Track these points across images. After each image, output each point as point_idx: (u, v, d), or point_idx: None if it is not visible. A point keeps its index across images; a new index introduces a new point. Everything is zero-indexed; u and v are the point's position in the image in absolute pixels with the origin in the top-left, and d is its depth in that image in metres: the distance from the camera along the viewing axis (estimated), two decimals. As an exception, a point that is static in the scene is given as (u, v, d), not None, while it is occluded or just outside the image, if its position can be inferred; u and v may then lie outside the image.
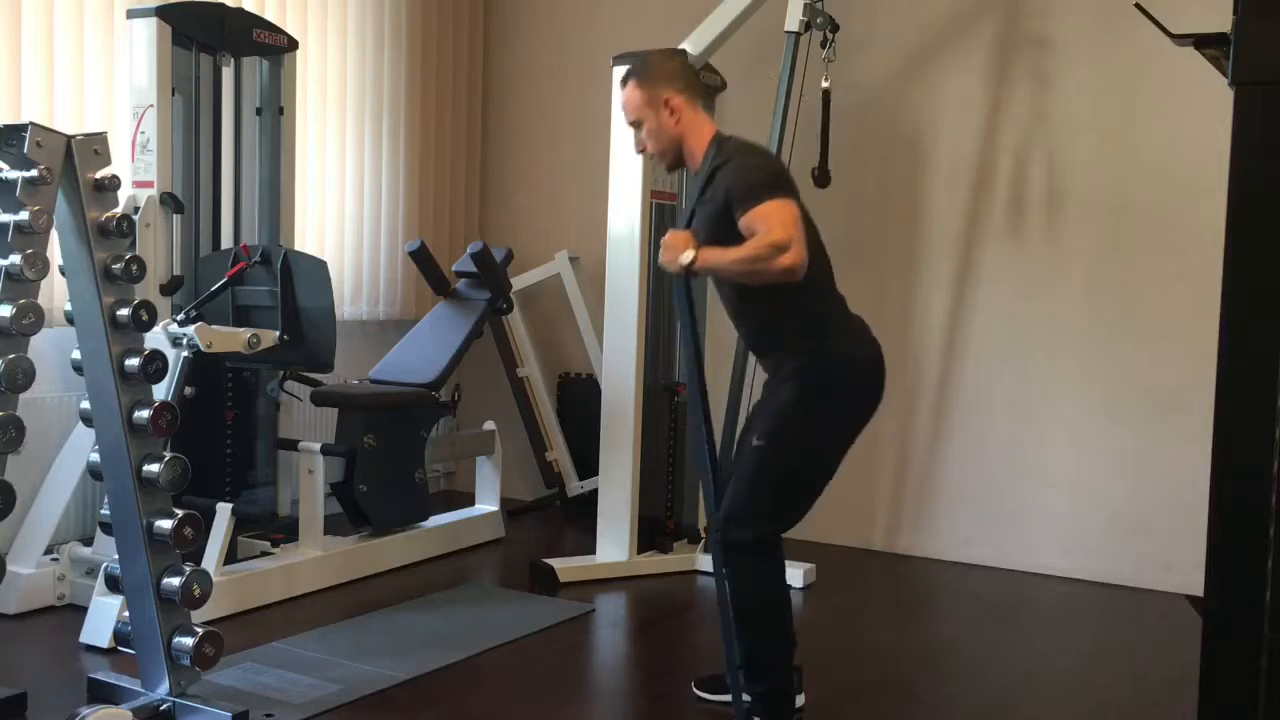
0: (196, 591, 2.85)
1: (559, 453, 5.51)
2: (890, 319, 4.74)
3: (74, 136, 2.74)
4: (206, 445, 4.16)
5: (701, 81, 3.07)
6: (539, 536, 5.14)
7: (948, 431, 4.86)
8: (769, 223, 2.64)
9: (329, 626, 3.72)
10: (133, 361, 2.79)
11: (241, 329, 3.76)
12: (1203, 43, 1.84)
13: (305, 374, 4.43)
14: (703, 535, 4.49)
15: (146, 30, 3.97)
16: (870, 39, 4.83)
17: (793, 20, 4.27)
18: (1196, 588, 1.81)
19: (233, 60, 4.37)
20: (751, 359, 3.73)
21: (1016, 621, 4.16)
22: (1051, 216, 4.63)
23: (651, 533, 4.57)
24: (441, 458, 5.34)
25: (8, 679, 3.05)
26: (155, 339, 3.35)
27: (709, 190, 2.82)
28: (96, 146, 2.79)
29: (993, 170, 4.74)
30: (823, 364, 2.84)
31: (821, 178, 4.27)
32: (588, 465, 5.16)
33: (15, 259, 2.60)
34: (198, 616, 2.95)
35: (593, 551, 4.48)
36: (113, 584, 2.94)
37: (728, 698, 2.96)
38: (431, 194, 5.65)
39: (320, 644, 3.54)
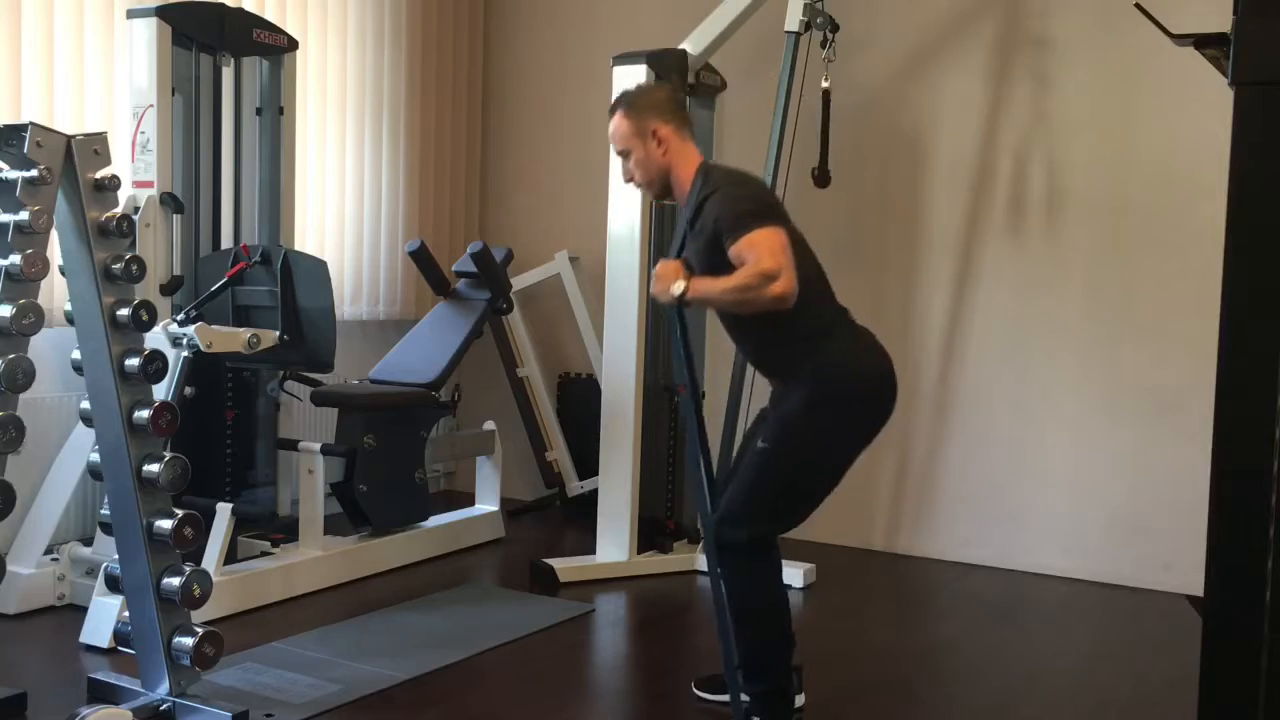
0: (196, 591, 2.85)
1: (559, 453, 5.51)
2: (890, 319, 4.74)
3: (74, 136, 2.74)
4: (206, 445, 4.16)
5: (688, 114, 3.08)
6: (539, 536, 5.14)
7: (948, 431, 4.86)
8: (758, 251, 2.62)
9: (329, 626, 3.72)
10: (133, 361, 2.79)
11: (241, 329, 3.76)
12: (1203, 43, 1.84)
13: (305, 374, 4.43)
14: (701, 535, 4.49)
15: (146, 30, 3.97)
16: (870, 39, 4.82)
17: (793, 20, 4.27)
18: (1196, 588, 1.81)
19: (233, 60, 4.37)
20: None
21: (1016, 621, 4.15)
22: (1051, 216, 4.63)
23: (651, 533, 4.57)
24: (441, 458, 5.35)
25: (8, 679, 3.05)
26: (155, 339, 3.35)
27: (698, 221, 2.81)
28: (96, 146, 2.79)
29: (993, 170, 4.74)
30: (828, 377, 2.82)
31: (821, 178, 4.27)
32: (588, 465, 5.16)
33: (15, 259, 2.60)
34: (198, 616, 2.95)
35: (593, 551, 4.48)
36: (113, 584, 2.95)
37: (727, 698, 2.96)
38: (431, 194, 5.65)
39: (320, 644, 3.54)
